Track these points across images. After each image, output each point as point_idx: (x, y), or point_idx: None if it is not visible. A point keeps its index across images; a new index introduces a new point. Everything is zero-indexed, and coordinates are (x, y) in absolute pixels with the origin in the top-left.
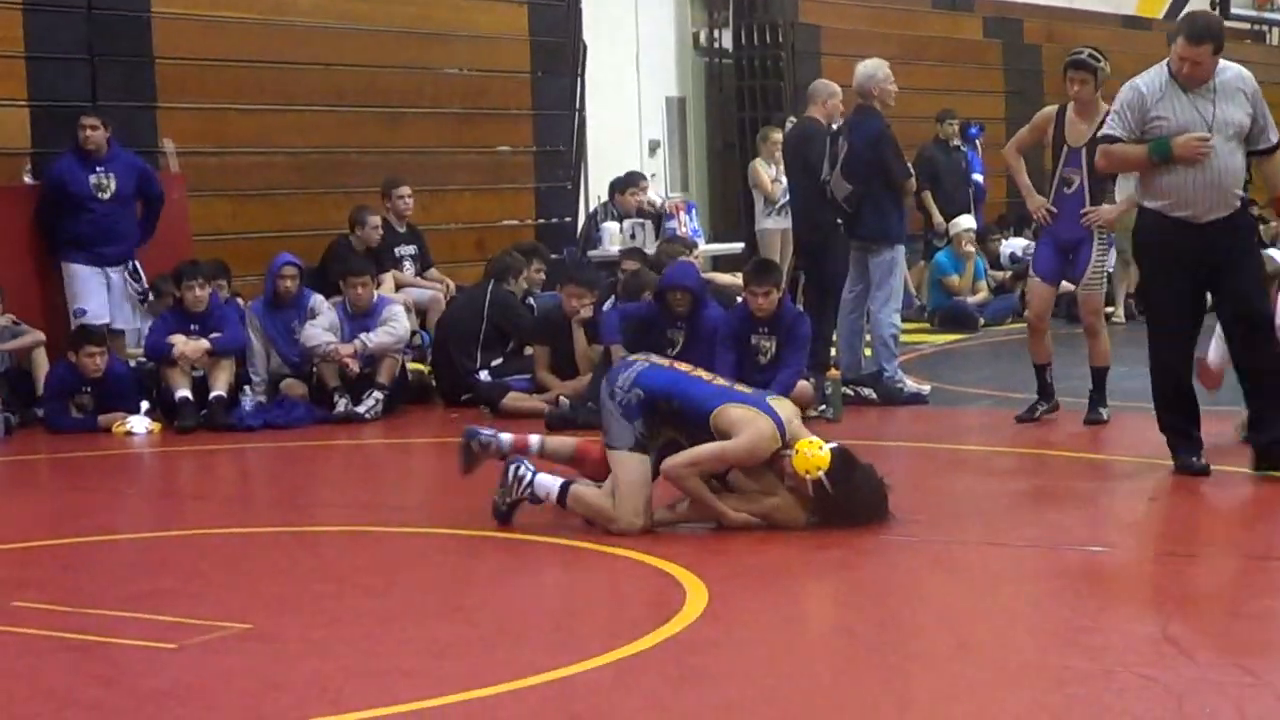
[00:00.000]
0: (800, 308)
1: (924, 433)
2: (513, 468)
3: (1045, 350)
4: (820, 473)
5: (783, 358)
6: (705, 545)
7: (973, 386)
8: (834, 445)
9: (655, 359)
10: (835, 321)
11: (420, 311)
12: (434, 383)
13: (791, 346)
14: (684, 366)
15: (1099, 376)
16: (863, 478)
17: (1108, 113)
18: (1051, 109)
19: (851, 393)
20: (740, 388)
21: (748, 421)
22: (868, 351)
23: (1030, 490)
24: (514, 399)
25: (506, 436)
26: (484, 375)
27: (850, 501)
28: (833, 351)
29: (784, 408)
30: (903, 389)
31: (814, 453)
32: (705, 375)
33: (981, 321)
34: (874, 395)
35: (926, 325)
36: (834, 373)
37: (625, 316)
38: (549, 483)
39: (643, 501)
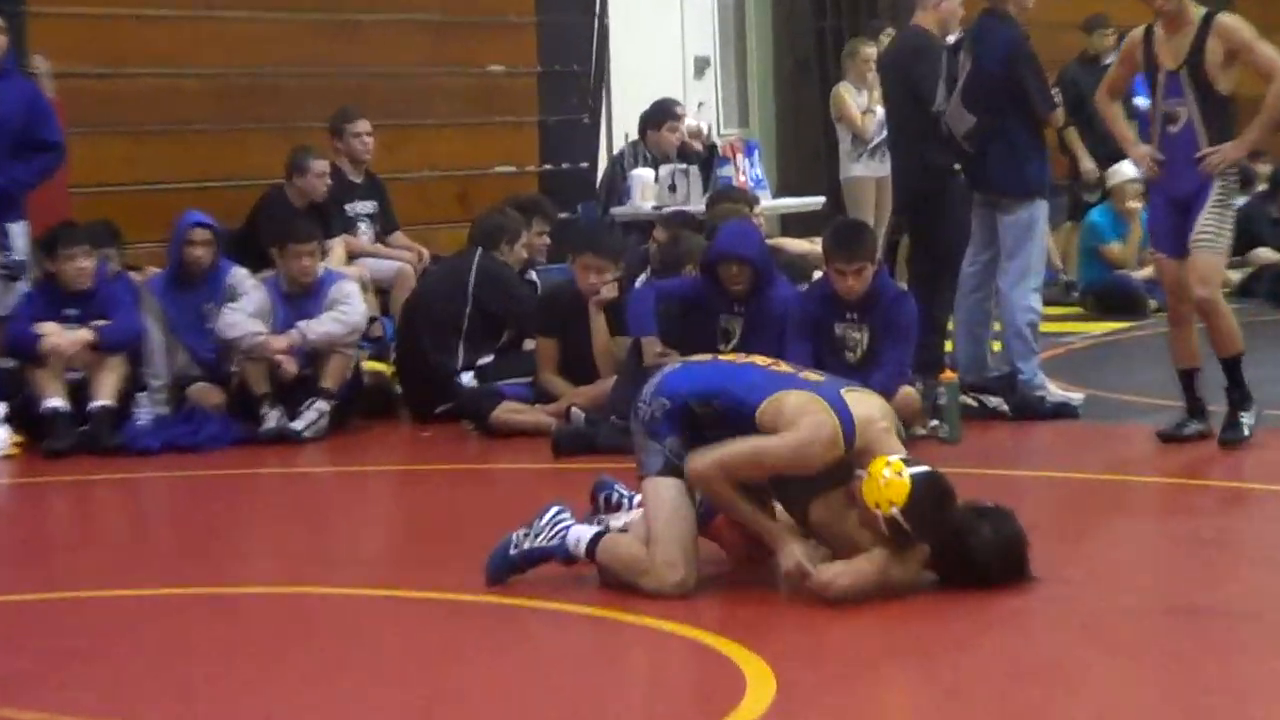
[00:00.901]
0: (903, 285)
1: (1074, 459)
2: (555, 509)
3: (1188, 350)
4: (894, 509)
5: (878, 354)
6: (771, 611)
7: (1142, 394)
8: (922, 469)
9: (692, 359)
10: (951, 305)
11: (382, 291)
12: (399, 389)
13: (890, 339)
14: (731, 357)
15: (1230, 369)
16: (970, 521)
17: (1207, 20)
18: (1137, 32)
19: (974, 403)
20: (810, 374)
21: (802, 412)
22: (996, 346)
23: (1218, 537)
24: (509, 411)
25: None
26: (468, 378)
27: (953, 552)
28: (948, 346)
29: (865, 404)
30: (1045, 398)
31: (889, 477)
32: (762, 361)
33: (1153, 305)
34: (1005, 406)
35: (1077, 309)
36: (949, 375)
37: (662, 298)
38: (582, 532)
39: (680, 545)
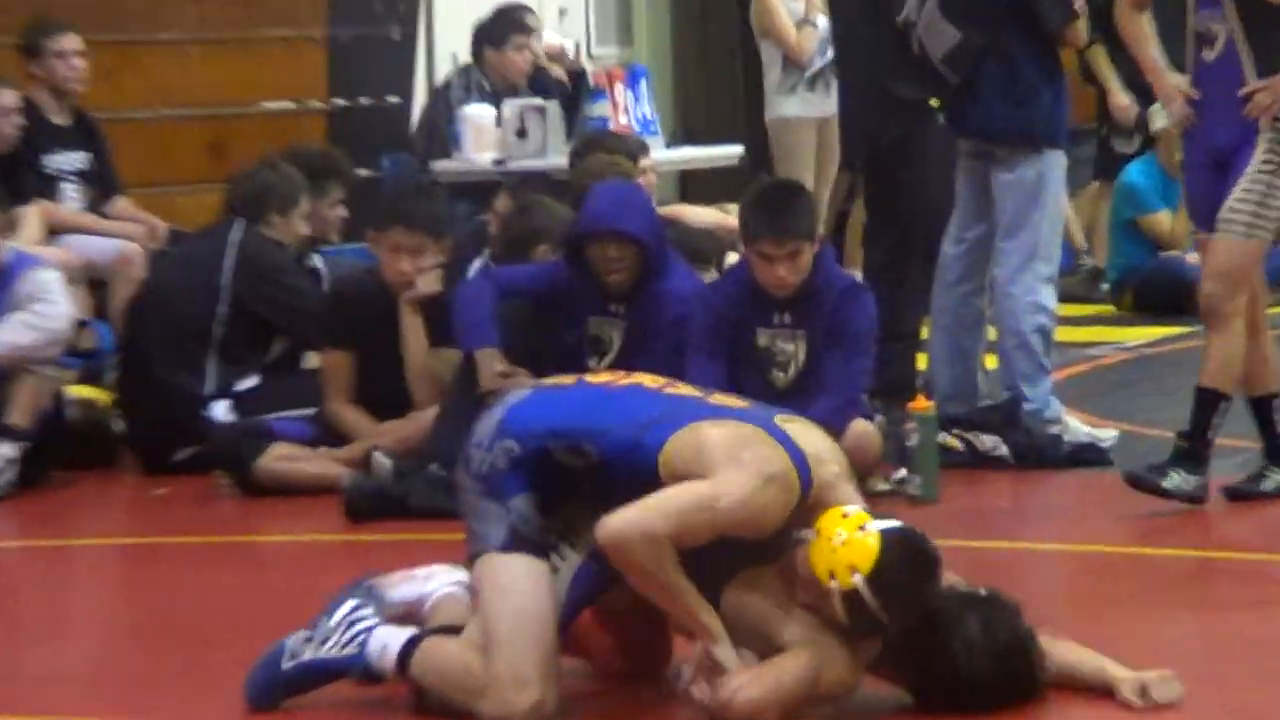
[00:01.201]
0: (857, 275)
1: (1101, 525)
2: (351, 603)
3: (1261, 367)
4: (856, 578)
5: (820, 374)
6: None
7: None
8: (892, 525)
9: (550, 382)
10: (926, 303)
11: (97, 283)
12: (124, 424)
13: (837, 352)
14: (607, 377)
15: (1259, 408)
16: (954, 610)
17: None
18: None
19: (959, 444)
20: (723, 398)
21: (735, 446)
22: (990, 362)
23: None
24: (281, 458)
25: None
26: (222, 409)
27: (926, 651)
28: (921, 362)
29: (809, 438)
30: (1061, 436)
31: (847, 536)
32: (651, 382)
33: None
34: (1004, 449)
35: (1108, 308)
36: (923, 405)
37: (506, 293)
38: (390, 637)
39: (534, 652)
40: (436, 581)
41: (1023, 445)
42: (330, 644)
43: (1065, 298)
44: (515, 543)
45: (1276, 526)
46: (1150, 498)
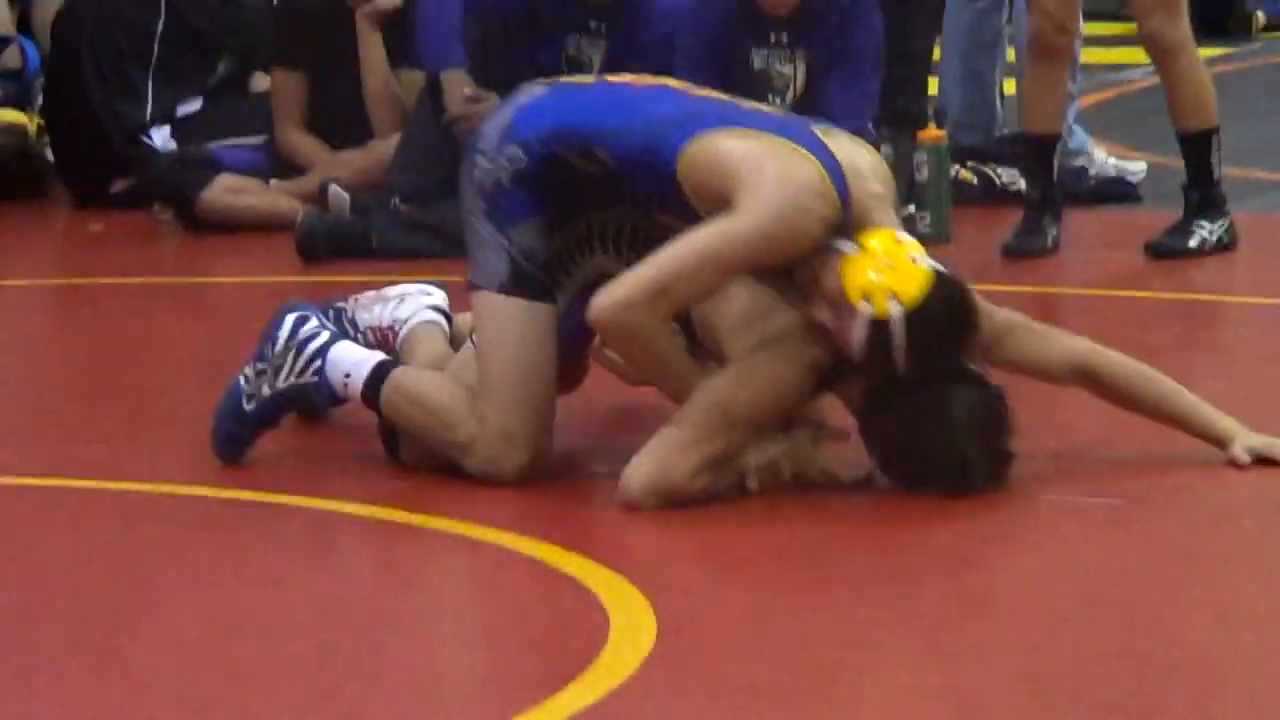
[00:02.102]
0: None
1: (1132, 267)
2: (293, 316)
3: (1046, 105)
4: (894, 307)
5: (821, 98)
6: (649, 514)
7: (1242, 163)
8: (945, 269)
9: (565, 81)
10: (938, 20)
11: None
12: (54, 153)
13: (841, 74)
14: (628, 77)
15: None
16: (965, 391)
17: None
18: None
19: (974, 178)
20: (753, 104)
21: (760, 156)
22: (1010, 87)
23: None
24: (228, 190)
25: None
26: (162, 136)
27: (921, 417)
28: (932, 86)
29: (850, 151)
30: (1086, 169)
31: (897, 260)
32: (677, 84)
33: (1260, 19)
34: (1022, 182)
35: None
36: (934, 134)
37: (474, 8)
38: (353, 359)
39: (527, 407)
40: (410, 306)
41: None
42: (285, 372)
43: (1092, 14)
44: (516, 281)
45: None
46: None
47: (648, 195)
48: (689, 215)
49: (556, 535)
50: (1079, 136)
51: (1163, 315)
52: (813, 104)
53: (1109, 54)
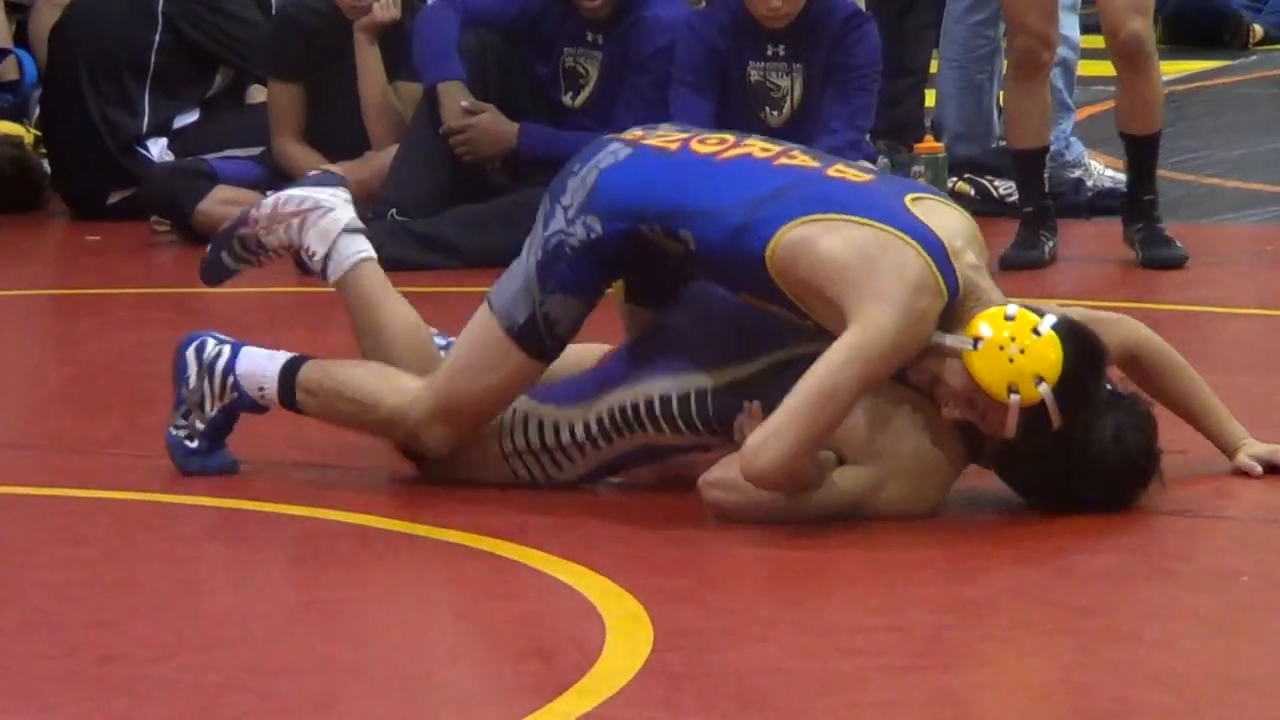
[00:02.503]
0: (859, 3)
1: (1129, 280)
2: (190, 350)
3: (1034, 120)
4: (1042, 388)
5: (818, 111)
6: (650, 524)
7: (1239, 174)
8: (1057, 317)
9: (648, 141)
10: (933, 33)
11: (16, 6)
12: (48, 165)
13: (838, 87)
14: (713, 144)
15: (1138, 150)
16: (1113, 418)
17: None
18: None
19: (971, 189)
20: (841, 169)
21: (865, 249)
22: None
23: None
24: (225, 201)
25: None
26: (159, 148)
27: (1084, 454)
28: (929, 99)
29: (944, 220)
30: (1083, 180)
31: (1025, 341)
32: (760, 151)
33: (1258, 31)
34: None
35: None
36: (931, 146)
37: (472, 21)
38: (261, 370)
39: (477, 410)
40: (320, 234)
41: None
42: (208, 401)
43: (1090, 27)
44: (525, 334)
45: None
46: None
47: (731, 278)
48: (775, 298)
49: (554, 545)
50: (1076, 148)
51: (1161, 326)
52: (810, 116)
53: (1107, 67)
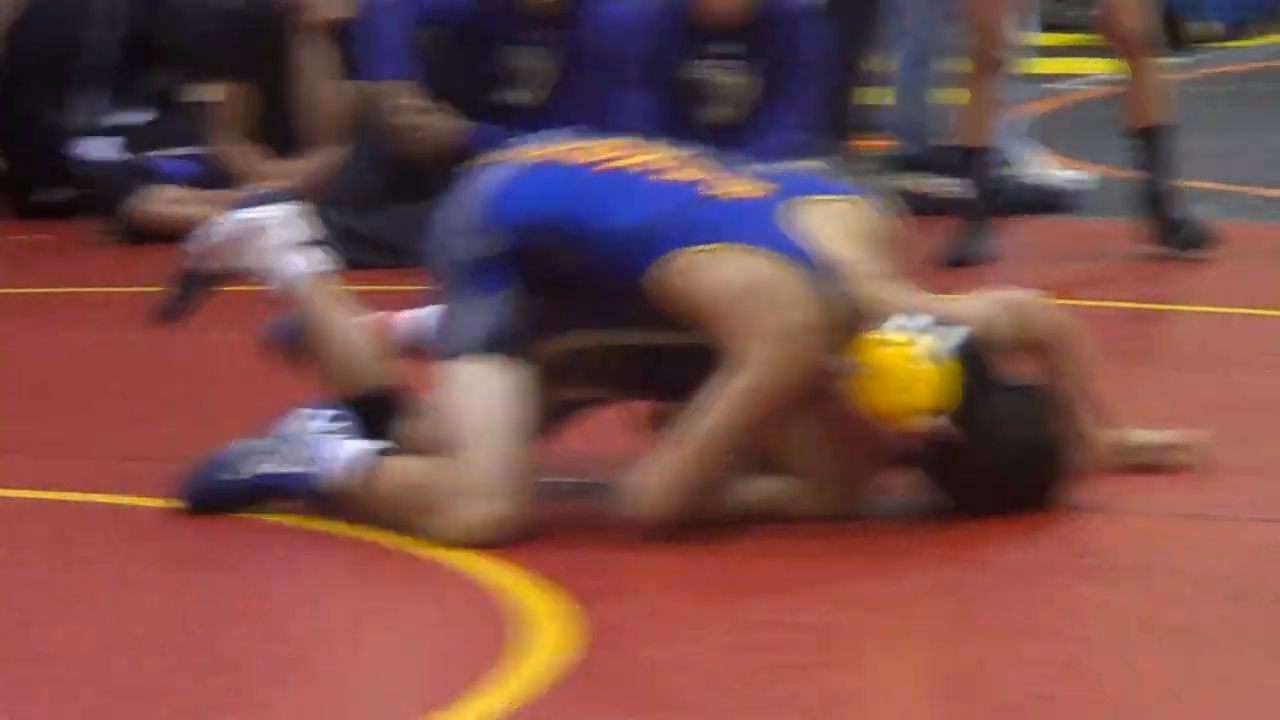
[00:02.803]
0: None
1: (1070, 278)
2: (328, 414)
3: (989, 119)
4: (938, 420)
5: (764, 109)
6: (579, 526)
7: (1189, 173)
8: (950, 340)
9: (550, 150)
10: (876, 30)
11: None
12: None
13: (785, 85)
14: (605, 153)
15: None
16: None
17: None
18: None
19: (910, 186)
20: (728, 185)
21: (751, 287)
22: (945, 96)
23: None
24: (168, 198)
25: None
26: (102, 145)
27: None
28: (870, 96)
29: (836, 231)
30: (1032, 178)
31: (913, 371)
32: (657, 162)
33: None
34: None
35: (1082, 37)
36: (872, 142)
37: (422, 19)
38: (342, 448)
39: (506, 463)
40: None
41: (985, 188)
42: (277, 460)
43: (1051, 25)
44: (494, 344)
45: (1223, 277)
46: (1114, 246)
47: (614, 295)
48: (655, 321)
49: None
50: (1025, 146)
51: (1104, 322)
52: (756, 113)
53: (1056, 64)
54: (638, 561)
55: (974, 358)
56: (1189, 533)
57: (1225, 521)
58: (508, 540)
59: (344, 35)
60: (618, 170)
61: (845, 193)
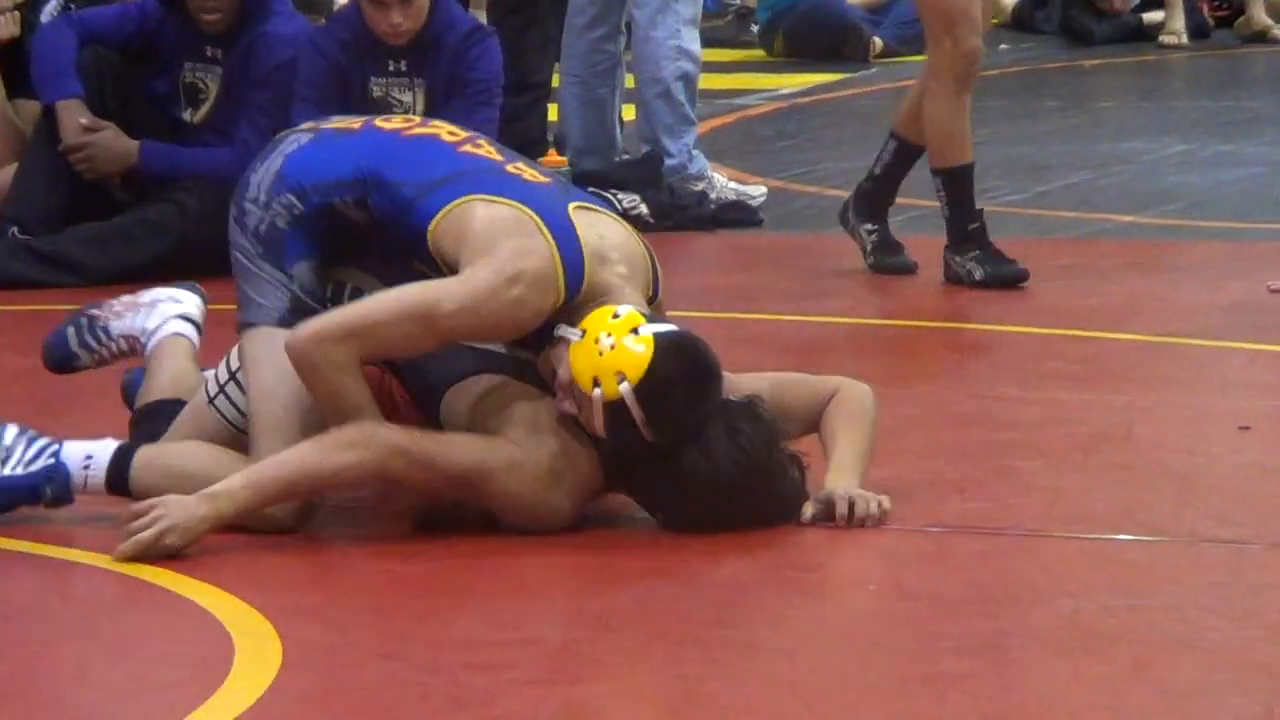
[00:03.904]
0: (481, 18)
1: (753, 293)
2: (12, 430)
3: (968, 135)
4: (624, 386)
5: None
6: (277, 545)
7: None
8: (669, 329)
9: (329, 125)
10: (557, 48)
11: None
12: None
13: (461, 102)
14: (397, 123)
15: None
16: (721, 424)
17: None
18: None
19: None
20: (520, 167)
21: (505, 230)
22: (629, 113)
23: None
24: None
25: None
26: None
27: (696, 479)
28: (551, 114)
29: (601, 229)
30: (707, 194)
31: (617, 339)
32: (448, 135)
33: (878, 44)
34: (643, 208)
35: (759, 53)
36: (554, 159)
37: (90, 38)
38: (92, 449)
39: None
40: (159, 315)
41: (664, 204)
42: (14, 460)
43: (711, 41)
44: (295, 314)
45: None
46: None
47: (401, 248)
48: (439, 273)
49: (179, 561)
50: (699, 161)
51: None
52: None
53: (728, 80)
54: (340, 579)
55: (678, 345)
56: (903, 547)
57: (948, 535)
58: (196, 555)
59: (15, 54)
60: (420, 134)
61: (607, 209)
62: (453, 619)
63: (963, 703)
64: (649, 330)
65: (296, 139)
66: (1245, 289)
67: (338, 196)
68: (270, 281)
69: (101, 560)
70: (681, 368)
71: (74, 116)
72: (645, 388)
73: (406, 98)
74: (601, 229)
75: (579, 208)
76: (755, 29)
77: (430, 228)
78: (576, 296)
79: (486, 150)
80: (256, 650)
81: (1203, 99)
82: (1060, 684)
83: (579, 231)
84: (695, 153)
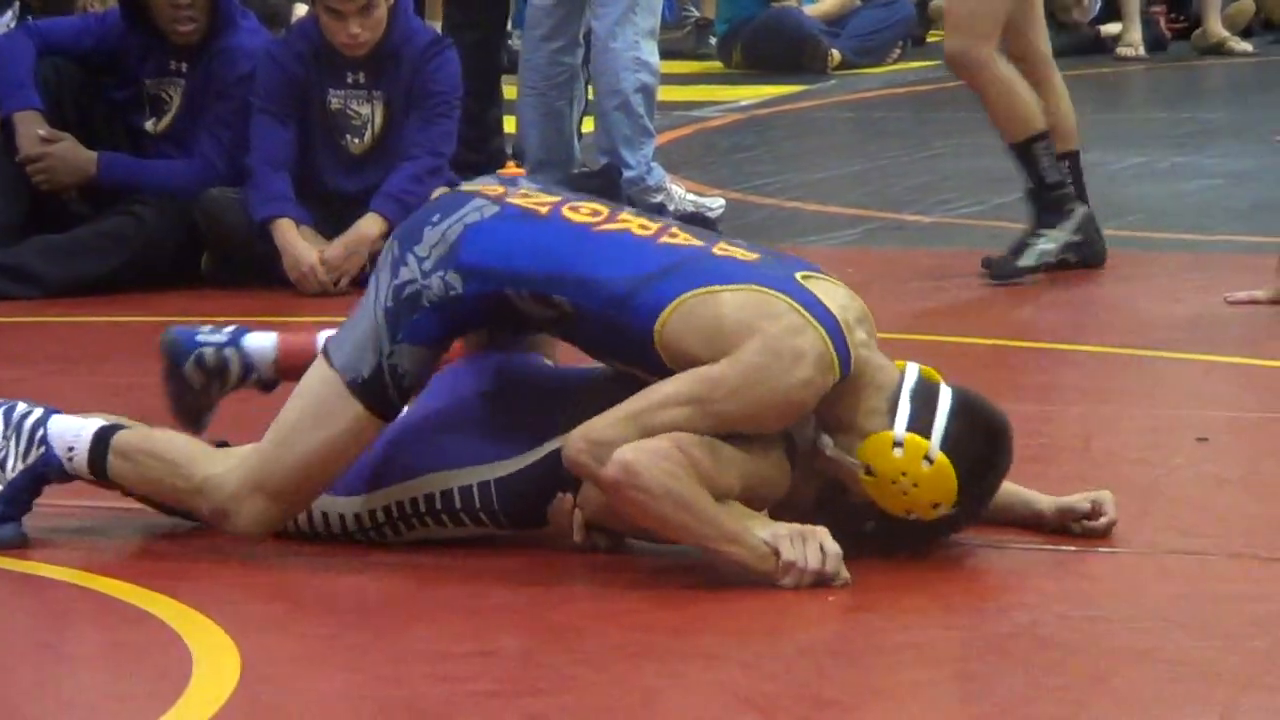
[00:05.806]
0: (438, 28)
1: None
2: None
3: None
4: (942, 509)
5: (400, 139)
6: (231, 559)
7: (820, 198)
8: (950, 426)
9: (514, 198)
10: (506, 60)
11: None
12: None
13: (420, 114)
14: (585, 214)
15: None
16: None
17: None
18: None
19: None
20: (726, 247)
21: (759, 311)
22: (588, 125)
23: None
24: None
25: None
26: None
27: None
28: (509, 126)
29: (836, 296)
30: (665, 205)
31: (914, 473)
32: (639, 229)
33: (836, 56)
34: None
35: (718, 65)
36: (513, 170)
37: (49, 49)
38: (73, 430)
39: (302, 485)
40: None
41: None
42: (12, 459)
43: (669, 53)
44: (369, 389)
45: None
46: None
47: (607, 345)
48: (656, 370)
49: (135, 573)
50: (657, 173)
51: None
52: (392, 143)
53: (686, 92)
54: (299, 591)
55: (976, 439)
56: (863, 558)
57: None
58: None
59: None
60: (613, 229)
61: (822, 272)
62: (413, 631)
63: (921, 714)
64: (937, 450)
65: (479, 207)
66: (1203, 301)
67: (513, 289)
68: (373, 339)
69: (58, 572)
70: (987, 453)
71: (31, 128)
72: (963, 502)
73: (365, 109)
74: (836, 297)
75: (806, 277)
76: (714, 41)
77: (657, 326)
78: (849, 372)
79: (685, 239)
80: (215, 663)
81: (1160, 111)
82: (1019, 695)
83: (825, 303)
84: (653, 165)
